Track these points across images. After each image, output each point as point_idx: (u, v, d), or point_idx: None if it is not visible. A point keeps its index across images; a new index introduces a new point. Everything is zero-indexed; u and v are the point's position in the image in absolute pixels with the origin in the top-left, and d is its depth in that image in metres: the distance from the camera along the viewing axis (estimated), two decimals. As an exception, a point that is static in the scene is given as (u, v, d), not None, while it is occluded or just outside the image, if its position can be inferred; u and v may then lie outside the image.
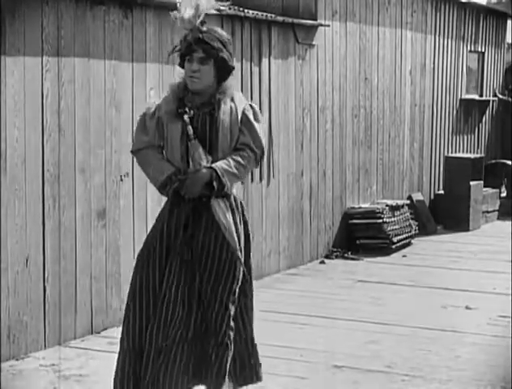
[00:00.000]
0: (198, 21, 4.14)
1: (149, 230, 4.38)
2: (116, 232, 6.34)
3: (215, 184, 4.08)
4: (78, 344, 5.95)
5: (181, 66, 4.22)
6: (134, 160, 4.52)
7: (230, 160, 4.13)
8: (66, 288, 5.94)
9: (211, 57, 4.11)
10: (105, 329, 6.26)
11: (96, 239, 6.18)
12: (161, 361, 4.12)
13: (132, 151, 4.39)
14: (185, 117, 4.12)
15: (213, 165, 4.09)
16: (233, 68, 4.23)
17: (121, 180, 6.35)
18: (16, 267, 5.58)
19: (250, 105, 4.25)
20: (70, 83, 5.93)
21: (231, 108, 4.16)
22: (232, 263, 4.20)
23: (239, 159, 4.14)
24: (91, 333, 6.15)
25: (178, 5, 4.17)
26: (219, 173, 4.08)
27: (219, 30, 4.24)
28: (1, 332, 5.47)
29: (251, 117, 4.18)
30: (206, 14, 4.18)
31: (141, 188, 6.50)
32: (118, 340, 4.33)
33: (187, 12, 4.12)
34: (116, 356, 4.31)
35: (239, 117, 4.15)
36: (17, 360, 5.57)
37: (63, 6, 5.84)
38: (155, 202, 6.46)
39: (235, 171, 4.12)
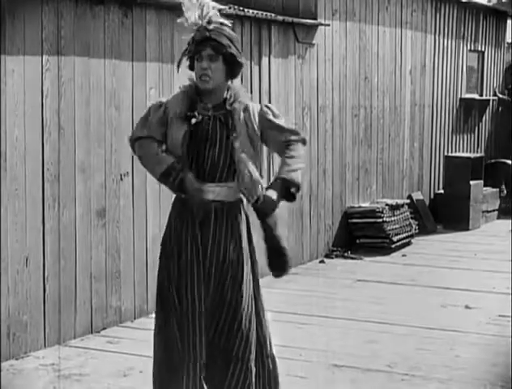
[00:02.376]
0: (205, 21, 4.12)
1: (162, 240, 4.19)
2: (116, 231, 6.35)
3: (293, 190, 4.14)
4: (78, 343, 5.95)
5: (191, 68, 4.17)
6: (134, 159, 4.46)
7: (287, 160, 4.14)
8: (65, 288, 5.94)
9: (219, 53, 4.04)
10: (105, 328, 6.26)
11: (95, 238, 6.18)
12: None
13: (130, 141, 4.23)
14: (193, 120, 4.07)
15: (281, 177, 4.11)
16: (243, 64, 4.20)
17: (121, 179, 6.36)
18: (16, 266, 5.58)
19: (266, 106, 4.21)
20: (70, 83, 5.93)
21: (245, 118, 4.08)
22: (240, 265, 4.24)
23: (293, 154, 4.14)
24: (91, 332, 6.15)
25: (184, 8, 4.15)
26: (290, 181, 4.12)
27: (226, 28, 4.21)
28: (1, 332, 5.47)
29: (271, 117, 4.14)
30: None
31: (141, 187, 6.51)
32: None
33: (193, 14, 4.10)
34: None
35: (256, 126, 4.09)
36: (17, 359, 5.57)
37: (63, 6, 5.84)
38: (155, 201, 6.47)
39: (297, 166, 4.14)
